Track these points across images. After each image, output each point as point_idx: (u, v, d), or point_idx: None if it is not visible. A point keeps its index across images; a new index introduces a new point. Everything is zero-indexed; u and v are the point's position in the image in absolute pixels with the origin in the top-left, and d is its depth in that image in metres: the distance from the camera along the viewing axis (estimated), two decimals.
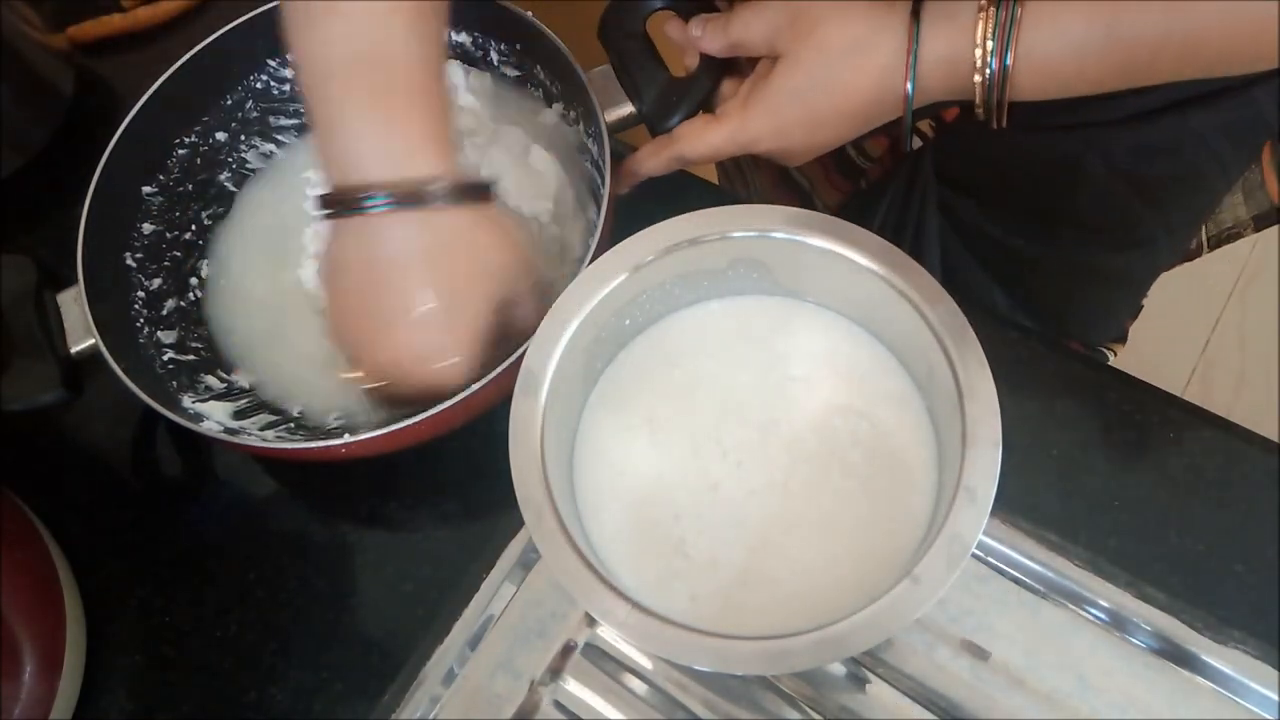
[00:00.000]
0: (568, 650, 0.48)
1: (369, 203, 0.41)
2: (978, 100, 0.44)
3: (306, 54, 0.42)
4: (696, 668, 0.38)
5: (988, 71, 0.43)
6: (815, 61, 0.45)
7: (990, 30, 0.42)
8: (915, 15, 0.43)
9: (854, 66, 0.44)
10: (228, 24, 0.58)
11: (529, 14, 0.55)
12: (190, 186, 0.60)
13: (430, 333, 0.44)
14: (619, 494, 0.44)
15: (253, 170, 0.63)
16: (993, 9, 0.42)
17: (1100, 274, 0.64)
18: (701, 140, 0.49)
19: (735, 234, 0.44)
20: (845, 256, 0.42)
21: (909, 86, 0.44)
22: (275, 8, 0.59)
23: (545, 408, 0.41)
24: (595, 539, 0.43)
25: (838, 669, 0.47)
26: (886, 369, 0.45)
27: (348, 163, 0.42)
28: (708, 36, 0.49)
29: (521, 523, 0.50)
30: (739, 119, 0.48)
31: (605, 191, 0.51)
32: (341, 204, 0.42)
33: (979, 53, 0.43)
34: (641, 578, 0.42)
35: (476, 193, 0.44)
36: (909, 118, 0.45)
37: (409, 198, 0.41)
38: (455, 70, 0.59)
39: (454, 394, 0.44)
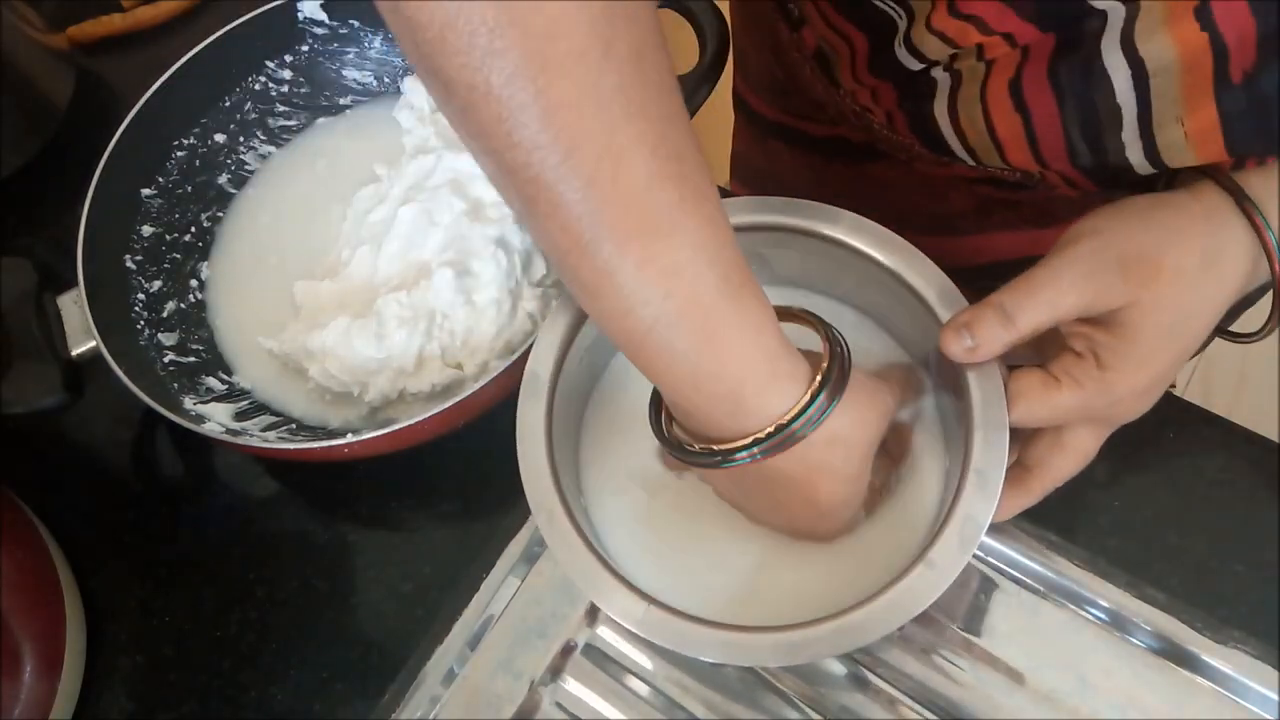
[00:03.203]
0: (568, 650, 0.48)
1: (731, 460, 0.36)
2: None
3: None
4: (715, 662, 0.38)
5: None
6: (1180, 289, 0.38)
7: None
8: (1243, 204, 0.38)
9: (1214, 277, 0.38)
10: (228, 24, 0.58)
11: None
12: (189, 188, 0.60)
13: (833, 520, 0.40)
14: (627, 489, 0.44)
15: (251, 172, 0.63)
16: None
17: None
18: (1045, 404, 0.39)
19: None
20: (842, 242, 0.42)
21: None
22: (275, 9, 0.59)
23: (550, 409, 0.41)
24: (605, 536, 0.43)
25: (838, 669, 0.47)
26: (891, 355, 0.45)
27: (693, 417, 0.37)
28: (985, 342, 0.38)
29: (521, 522, 0.50)
30: (1097, 383, 0.38)
31: None
32: (696, 459, 0.37)
33: None
34: (654, 573, 0.42)
35: (840, 387, 0.36)
36: None
37: (773, 445, 0.35)
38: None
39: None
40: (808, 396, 0.35)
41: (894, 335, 0.45)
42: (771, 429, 0.35)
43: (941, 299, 0.40)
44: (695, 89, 0.53)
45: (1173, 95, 0.39)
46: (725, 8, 0.55)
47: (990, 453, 0.37)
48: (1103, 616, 0.46)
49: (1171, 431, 0.49)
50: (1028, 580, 0.47)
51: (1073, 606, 0.46)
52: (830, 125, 0.58)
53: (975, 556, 0.48)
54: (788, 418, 0.35)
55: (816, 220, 0.42)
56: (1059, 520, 0.48)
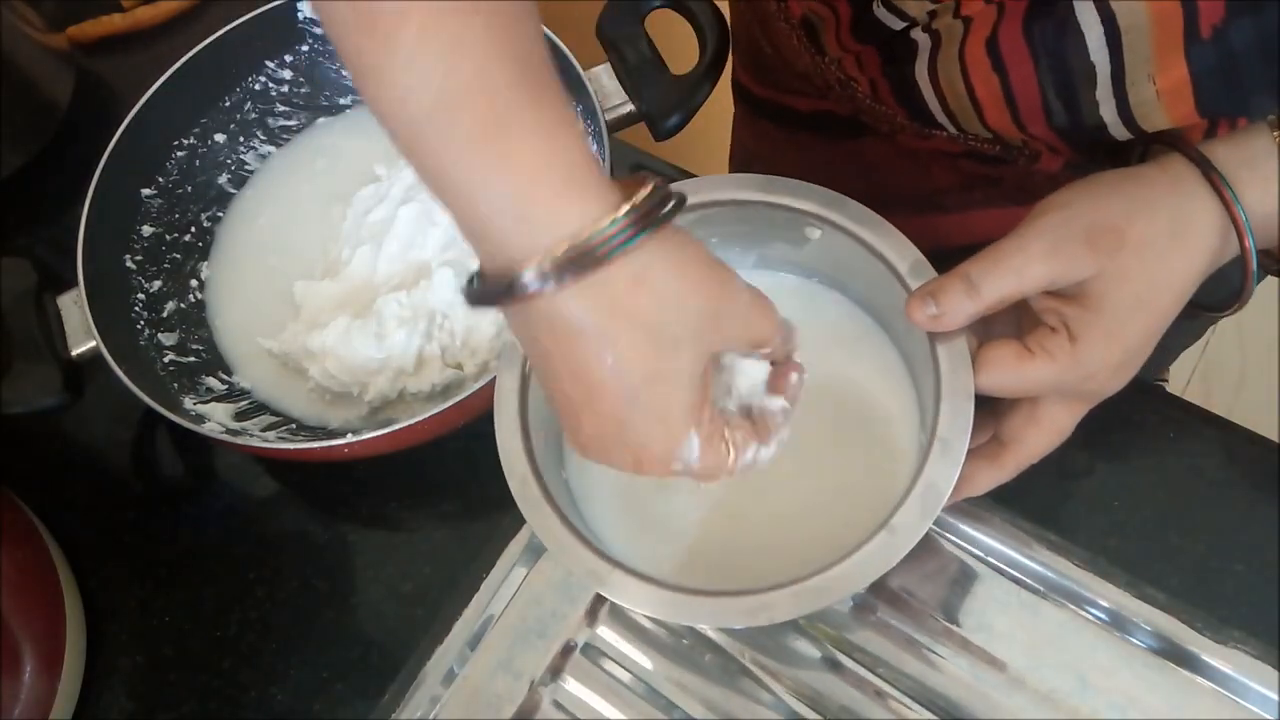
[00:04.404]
0: (568, 650, 0.48)
1: (520, 286, 0.30)
2: None
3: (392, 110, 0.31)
4: (676, 622, 0.37)
5: None
6: (1147, 259, 0.37)
7: None
8: (1209, 174, 0.38)
9: (1182, 248, 0.38)
10: (227, 24, 0.58)
11: None
12: (189, 188, 0.60)
13: (643, 427, 0.33)
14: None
15: (251, 171, 0.63)
16: None
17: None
18: (1018, 375, 0.38)
19: (701, 200, 0.42)
20: (821, 217, 0.41)
21: (1249, 240, 0.38)
22: (275, 9, 0.59)
23: (527, 375, 0.41)
24: (582, 503, 0.43)
25: (838, 668, 0.47)
26: (867, 331, 0.45)
27: (485, 237, 0.31)
28: (949, 310, 0.37)
29: (521, 522, 0.50)
30: (1069, 356, 0.38)
31: None
32: (488, 294, 0.32)
33: None
34: (629, 538, 0.42)
35: (654, 218, 0.31)
36: (1255, 262, 0.39)
37: (567, 267, 0.30)
38: None
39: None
40: (611, 214, 0.30)
41: (868, 310, 0.45)
42: (566, 245, 0.29)
43: (913, 272, 0.40)
44: (695, 88, 0.53)
45: (1144, 52, 0.39)
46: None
47: (955, 421, 0.37)
48: (1103, 616, 0.46)
49: (1171, 431, 0.49)
50: (1028, 580, 0.47)
51: (1073, 606, 0.46)
52: (817, 98, 0.58)
53: (975, 556, 0.48)
54: (585, 234, 0.29)
55: (793, 196, 0.42)
56: (1059, 520, 0.48)
